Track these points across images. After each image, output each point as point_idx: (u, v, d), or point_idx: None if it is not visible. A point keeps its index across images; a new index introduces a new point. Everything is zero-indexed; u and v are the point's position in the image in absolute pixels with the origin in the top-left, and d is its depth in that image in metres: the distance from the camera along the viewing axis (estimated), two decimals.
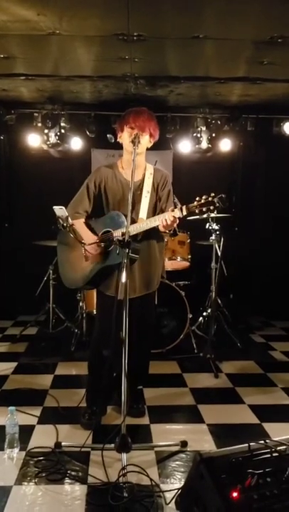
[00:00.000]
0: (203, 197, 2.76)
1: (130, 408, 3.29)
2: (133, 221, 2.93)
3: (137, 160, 2.95)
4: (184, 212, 2.79)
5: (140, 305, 3.11)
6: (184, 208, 2.78)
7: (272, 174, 6.06)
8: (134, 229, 2.92)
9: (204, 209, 2.75)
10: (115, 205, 3.12)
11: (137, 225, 2.95)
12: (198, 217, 2.99)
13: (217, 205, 2.74)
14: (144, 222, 2.96)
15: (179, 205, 2.82)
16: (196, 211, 2.77)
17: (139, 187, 3.10)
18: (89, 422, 3.18)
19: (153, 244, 3.16)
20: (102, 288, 3.16)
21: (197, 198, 2.77)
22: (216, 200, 2.74)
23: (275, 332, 5.74)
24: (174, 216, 2.78)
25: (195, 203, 2.77)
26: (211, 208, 2.74)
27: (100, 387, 3.06)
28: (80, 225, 3.15)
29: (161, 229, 2.94)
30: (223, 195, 2.80)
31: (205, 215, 2.89)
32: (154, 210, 3.16)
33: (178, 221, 2.85)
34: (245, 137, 5.86)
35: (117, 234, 2.92)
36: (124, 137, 3.05)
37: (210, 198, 2.74)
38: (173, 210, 2.81)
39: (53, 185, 5.53)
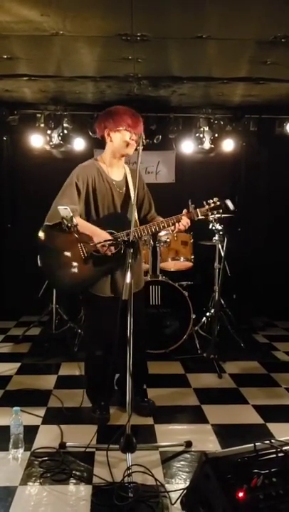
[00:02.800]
0: (211, 201, 2.95)
1: (141, 403, 3.34)
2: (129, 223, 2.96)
3: (122, 161, 3.08)
4: (200, 216, 2.96)
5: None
6: (198, 211, 2.94)
7: (275, 174, 6.05)
8: (144, 230, 3.00)
9: (215, 212, 2.93)
10: (104, 208, 3.08)
11: (147, 226, 3.00)
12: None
13: (223, 205, 2.92)
14: (155, 225, 3.02)
15: (192, 210, 2.91)
16: (209, 213, 2.95)
17: (125, 187, 3.13)
18: (102, 416, 3.21)
19: (139, 245, 3.22)
20: (93, 289, 3.12)
21: (204, 203, 2.90)
22: (223, 204, 2.94)
23: (278, 332, 5.73)
24: (191, 220, 2.96)
25: (206, 206, 2.90)
26: (221, 210, 2.93)
27: (101, 382, 3.11)
28: (84, 222, 3.05)
29: (173, 229, 3.05)
30: (228, 200, 2.99)
31: (215, 216, 3.02)
32: (140, 208, 3.25)
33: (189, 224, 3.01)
34: (247, 137, 5.86)
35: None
36: (117, 137, 3.03)
37: (218, 202, 2.93)
38: (188, 214, 2.96)
39: (56, 186, 5.46)
